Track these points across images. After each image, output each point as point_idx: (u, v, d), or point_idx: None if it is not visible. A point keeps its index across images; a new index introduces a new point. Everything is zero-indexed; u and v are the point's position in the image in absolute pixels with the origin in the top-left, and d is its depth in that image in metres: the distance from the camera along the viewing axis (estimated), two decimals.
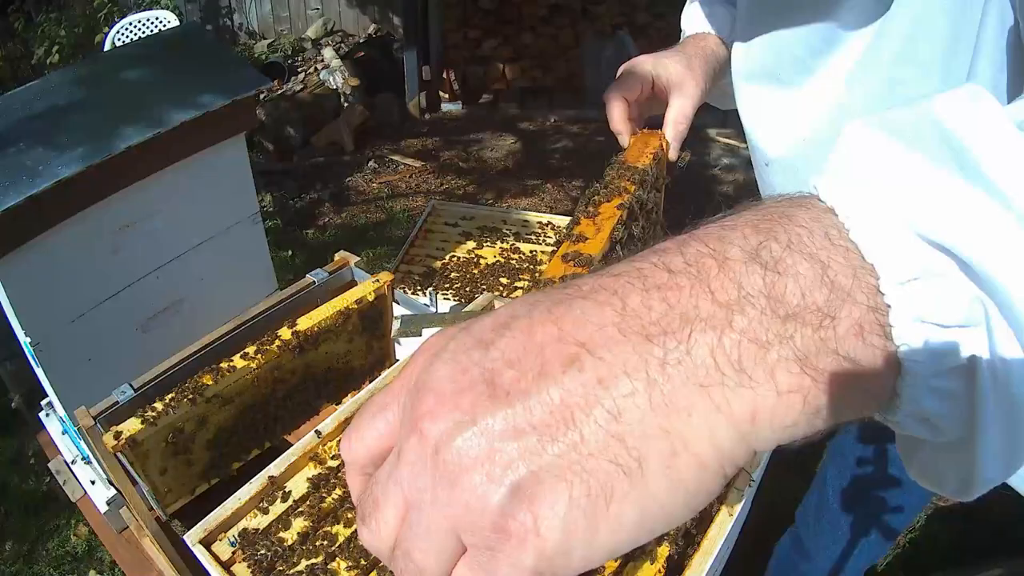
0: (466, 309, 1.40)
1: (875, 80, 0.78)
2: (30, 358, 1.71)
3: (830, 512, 1.50)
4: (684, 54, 1.05)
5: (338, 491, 1.05)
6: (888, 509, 1.41)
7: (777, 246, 0.30)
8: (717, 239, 0.32)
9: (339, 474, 1.08)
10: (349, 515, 1.02)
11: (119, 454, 1.25)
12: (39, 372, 1.74)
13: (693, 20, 1.12)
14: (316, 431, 1.14)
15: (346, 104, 5.27)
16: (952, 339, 0.29)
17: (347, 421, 1.17)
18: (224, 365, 1.35)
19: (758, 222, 0.32)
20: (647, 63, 1.02)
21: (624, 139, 1.00)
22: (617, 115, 0.99)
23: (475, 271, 2.36)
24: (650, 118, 1.07)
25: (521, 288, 2.27)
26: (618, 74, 1.03)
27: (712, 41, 1.09)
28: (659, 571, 0.92)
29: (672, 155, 1.00)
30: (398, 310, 1.69)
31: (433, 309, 2.19)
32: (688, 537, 0.98)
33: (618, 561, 0.94)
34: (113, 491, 1.79)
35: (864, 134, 0.32)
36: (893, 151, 0.30)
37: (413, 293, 2.27)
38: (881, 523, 1.44)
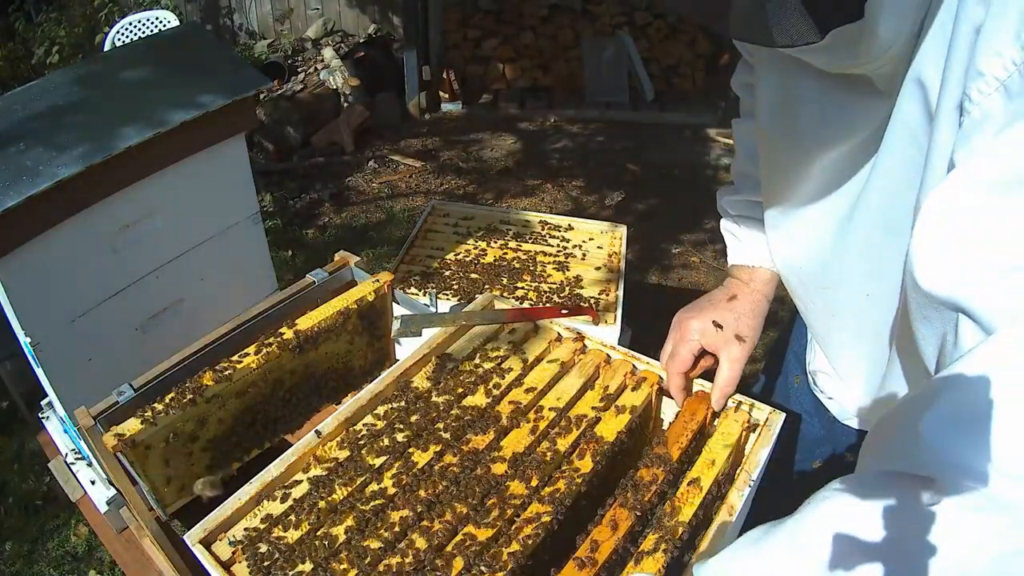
0: (466, 309, 1.41)
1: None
2: (30, 358, 1.71)
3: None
4: (734, 312, 1.18)
5: (338, 492, 1.05)
6: None
7: None
8: None
9: (339, 474, 1.08)
10: (349, 515, 1.02)
11: (119, 454, 1.25)
12: (39, 372, 1.74)
13: (743, 249, 1.25)
14: (316, 431, 1.14)
15: (346, 104, 5.27)
16: None
17: (347, 421, 1.17)
18: (224, 365, 1.35)
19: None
20: (693, 330, 1.17)
21: (678, 400, 1.19)
22: (675, 390, 1.19)
23: (475, 271, 2.36)
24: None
25: (521, 288, 2.27)
26: (670, 340, 1.20)
27: (761, 280, 1.22)
28: (659, 571, 0.92)
29: (716, 407, 1.17)
30: (398, 310, 1.69)
31: (433, 309, 2.19)
32: (688, 539, 0.98)
33: (618, 556, 0.94)
34: (113, 491, 1.79)
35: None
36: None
37: (413, 293, 2.27)
38: None
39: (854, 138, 0.90)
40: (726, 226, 1.30)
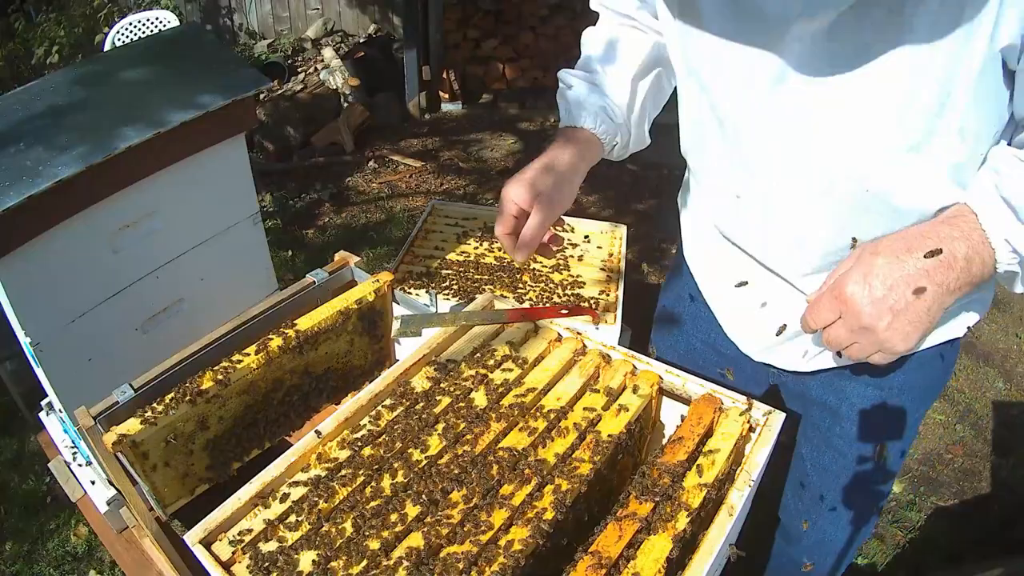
0: (466, 309, 1.41)
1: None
2: (30, 358, 1.71)
3: (811, 487, 1.49)
4: (551, 174, 1.18)
5: (338, 492, 1.05)
6: (870, 482, 1.40)
7: (964, 246, 0.87)
8: (951, 242, 0.88)
9: (339, 474, 1.08)
10: (349, 515, 1.02)
11: (119, 454, 1.25)
12: (39, 372, 1.74)
13: (569, 110, 1.29)
14: (316, 431, 1.14)
15: (346, 104, 5.27)
16: (1011, 256, 0.88)
17: (347, 421, 1.17)
18: (224, 365, 1.35)
19: (955, 234, 0.89)
20: (510, 196, 1.15)
21: (518, 256, 1.18)
22: (509, 249, 1.18)
23: (475, 271, 2.36)
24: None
25: (521, 288, 2.27)
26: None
27: (579, 138, 1.25)
28: (659, 571, 0.92)
29: (518, 258, 1.18)
30: (398, 310, 1.69)
31: (433, 309, 2.18)
32: (688, 539, 0.98)
33: (619, 555, 0.94)
34: (113, 491, 1.79)
35: (986, 193, 0.90)
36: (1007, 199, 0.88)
37: (414, 294, 2.27)
38: (863, 493, 1.43)
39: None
40: (559, 95, 1.34)
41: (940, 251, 0.86)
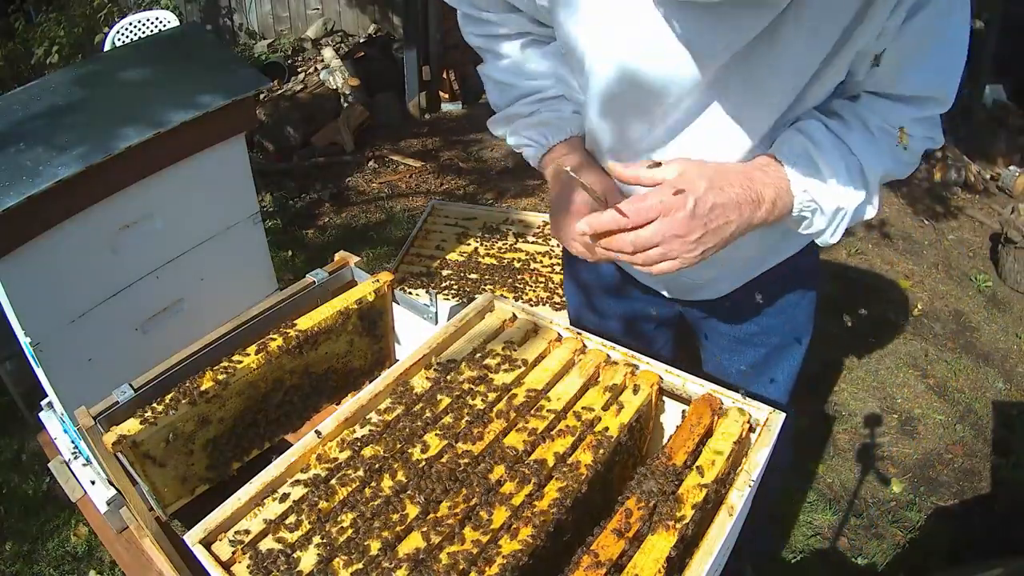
0: (465, 309, 1.41)
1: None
2: (30, 358, 1.71)
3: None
4: (593, 173, 1.19)
5: (338, 492, 1.05)
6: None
7: (772, 191, 1.04)
8: (761, 186, 1.04)
9: (339, 474, 1.08)
10: (349, 515, 1.02)
11: (119, 454, 1.25)
12: (39, 372, 1.74)
13: (553, 133, 1.27)
14: (316, 431, 1.14)
15: (346, 104, 5.27)
16: (808, 202, 1.06)
17: (347, 421, 1.17)
18: (224, 365, 1.35)
19: (766, 180, 1.04)
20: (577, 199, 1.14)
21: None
22: (582, 249, 1.13)
23: (475, 271, 2.36)
24: None
25: (521, 288, 2.27)
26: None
27: (573, 146, 1.26)
28: (659, 571, 0.92)
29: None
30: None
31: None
32: (688, 539, 0.98)
33: (619, 555, 0.94)
34: (113, 491, 1.79)
35: (793, 151, 1.06)
36: (806, 158, 1.05)
37: (413, 293, 2.27)
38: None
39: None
40: (522, 139, 1.32)
41: (757, 195, 1.03)
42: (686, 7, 0.94)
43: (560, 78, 1.28)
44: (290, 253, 3.90)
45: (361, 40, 6.07)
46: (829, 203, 1.05)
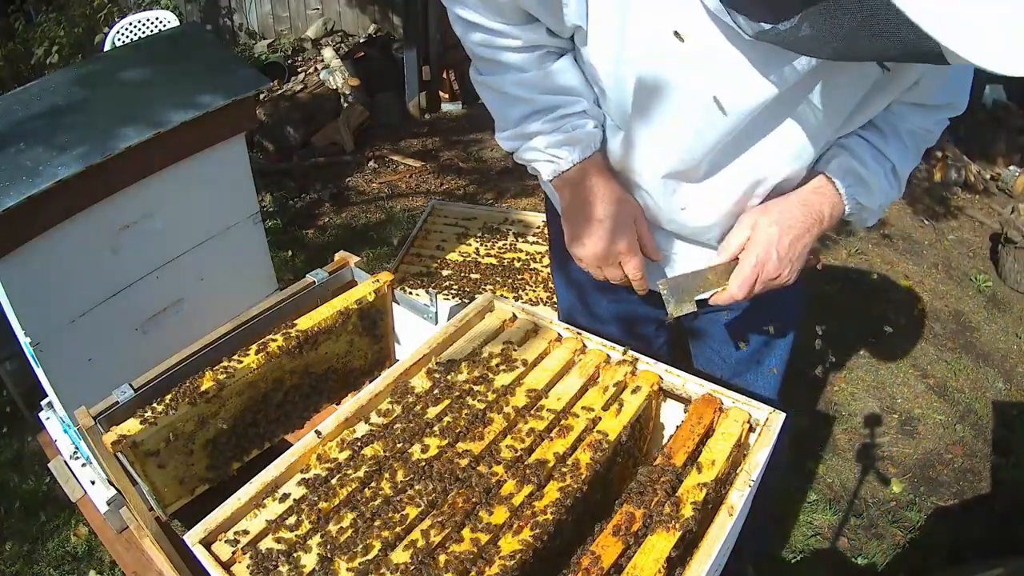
0: (465, 309, 1.41)
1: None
2: (30, 358, 1.71)
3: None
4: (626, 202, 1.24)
5: (338, 492, 1.05)
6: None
7: (828, 207, 1.22)
8: (819, 205, 1.21)
9: (339, 474, 1.08)
10: (349, 515, 1.02)
11: (119, 454, 1.25)
12: (39, 372, 1.74)
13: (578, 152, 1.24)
14: (316, 431, 1.14)
15: (346, 104, 5.27)
16: (856, 206, 1.24)
17: (347, 421, 1.17)
18: (224, 365, 1.35)
19: (823, 200, 1.22)
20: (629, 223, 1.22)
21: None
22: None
23: (475, 271, 2.36)
24: None
25: (521, 288, 2.27)
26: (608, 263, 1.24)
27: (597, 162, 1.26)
28: (659, 571, 0.92)
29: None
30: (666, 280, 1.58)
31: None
32: (688, 538, 0.98)
33: (619, 555, 0.94)
34: (113, 491, 1.79)
35: (843, 169, 1.21)
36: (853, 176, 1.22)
37: (413, 293, 2.27)
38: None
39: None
40: (542, 155, 1.26)
41: (818, 215, 1.20)
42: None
43: (588, 96, 1.23)
44: (290, 253, 3.90)
45: (361, 40, 6.07)
46: (874, 204, 1.24)
